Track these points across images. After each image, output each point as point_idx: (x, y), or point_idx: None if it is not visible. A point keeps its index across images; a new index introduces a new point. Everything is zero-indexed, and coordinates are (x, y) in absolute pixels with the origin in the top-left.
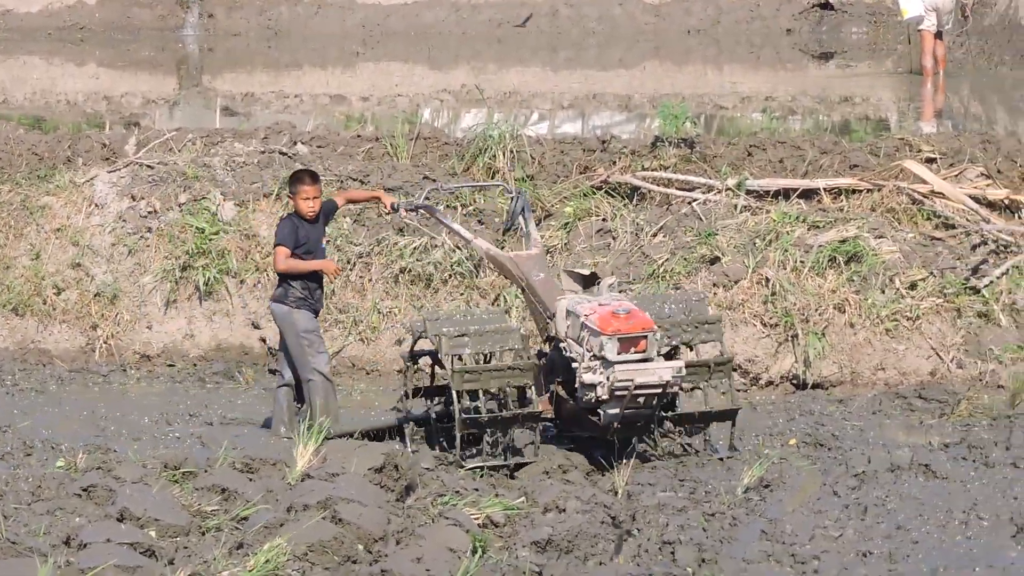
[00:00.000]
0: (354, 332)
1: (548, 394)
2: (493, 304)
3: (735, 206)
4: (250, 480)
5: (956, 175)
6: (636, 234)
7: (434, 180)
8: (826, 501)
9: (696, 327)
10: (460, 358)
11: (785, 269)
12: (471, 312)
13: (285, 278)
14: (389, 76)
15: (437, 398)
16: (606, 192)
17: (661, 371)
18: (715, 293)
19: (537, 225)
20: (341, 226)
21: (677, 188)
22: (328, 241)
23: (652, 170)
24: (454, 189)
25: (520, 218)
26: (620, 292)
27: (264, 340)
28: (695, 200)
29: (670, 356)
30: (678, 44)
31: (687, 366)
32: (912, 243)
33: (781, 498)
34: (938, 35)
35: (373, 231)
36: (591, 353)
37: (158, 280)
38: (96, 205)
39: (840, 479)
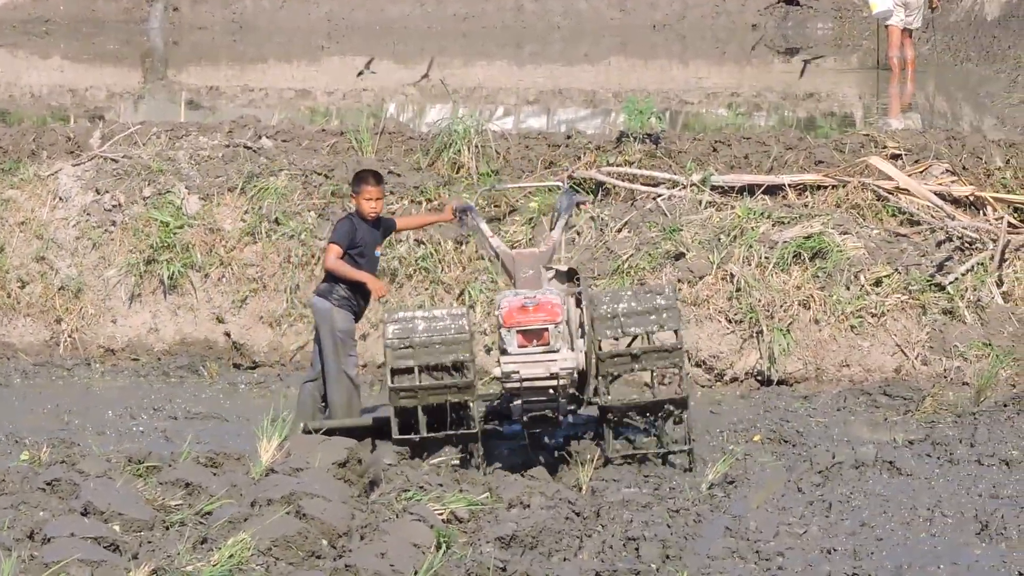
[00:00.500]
0: None
1: None
2: (458, 299)
3: (700, 202)
4: (214, 475)
5: (921, 171)
6: (601, 230)
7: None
8: (790, 498)
9: (648, 315)
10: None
11: (750, 265)
12: (429, 315)
13: (332, 276)
14: (354, 70)
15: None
16: (570, 187)
17: (549, 364)
18: (680, 289)
19: (501, 220)
20: (306, 220)
21: (642, 184)
22: (383, 253)
23: (617, 165)
24: (508, 188)
25: (556, 215)
26: (576, 287)
27: (228, 334)
28: (660, 196)
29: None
30: (643, 39)
31: (639, 352)
32: (877, 239)
33: (745, 494)
34: (908, 33)
35: None
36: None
37: (122, 274)
38: (60, 198)
39: (805, 476)
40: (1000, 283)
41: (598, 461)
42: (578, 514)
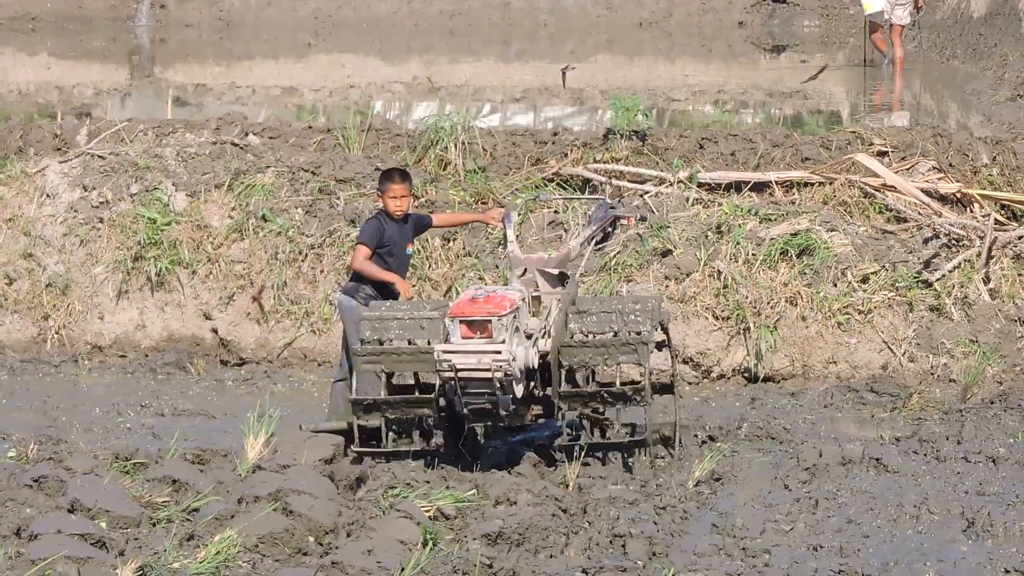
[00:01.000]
0: (306, 323)
1: None
2: (445, 296)
3: (687, 199)
4: (201, 471)
5: (908, 169)
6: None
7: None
8: (777, 495)
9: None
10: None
11: (737, 262)
12: (408, 314)
13: (359, 275)
14: (341, 67)
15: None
16: (558, 184)
17: (483, 355)
18: (667, 286)
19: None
20: (293, 217)
21: (629, 180)
22: (415, 251)
23: (604, 162)
24: (553, 199)
25: (589, 221)
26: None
27: (215, 331)
28: (647, 192)
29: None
30: (630, 36)
31: (600, 343)
32: (864, 236)
33: (732, 491)
34: (900, 29)
35: (325, 222)
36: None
37: (110, 271)
38: (48, 195)
39: (791, 472)
40: (987, 280)
41: (585, 458)
42: (565, 511)
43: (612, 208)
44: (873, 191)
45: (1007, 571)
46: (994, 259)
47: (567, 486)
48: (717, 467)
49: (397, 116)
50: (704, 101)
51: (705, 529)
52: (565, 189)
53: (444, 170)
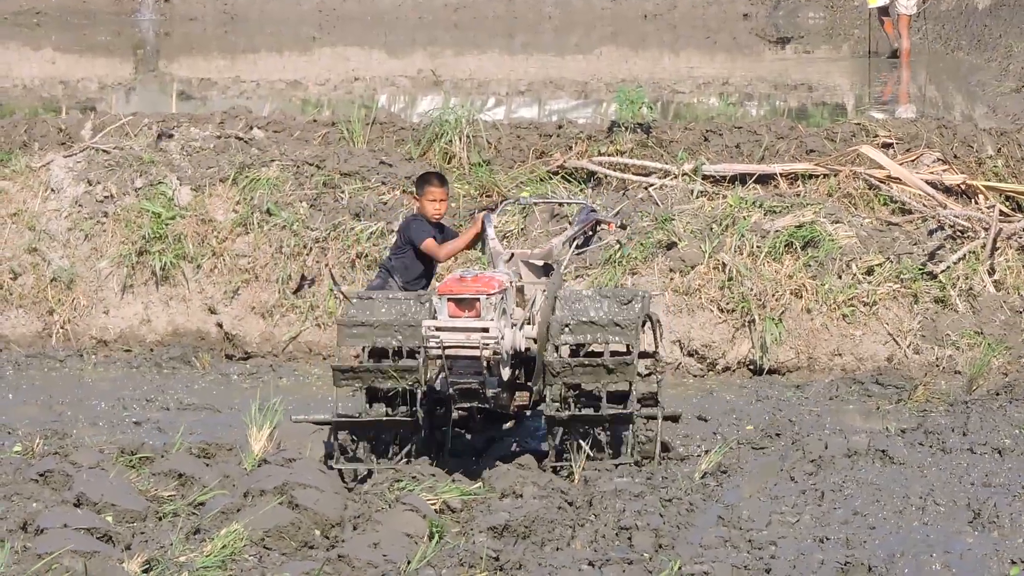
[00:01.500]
0: (311, 317)
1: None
2: None
3: (691, 191)
4: (207, 465)
5: (913, 160)
6: None
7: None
8: (783, 487)
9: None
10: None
11: (742, 254)
12: (393, 311)
13: (386, 268)
14: (345, 61)
15: None
16: (562, 177)
17: (471, 333)
18: (671, 278)
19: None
20: (298, 211)
21: (633, 173)
22: None
23: (608, 155)
24: (531, 203)
25: (572, 224)
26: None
27: (220, 325)
28: (651, 185)
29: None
30: (635, 29)
31: (588, 363)
32: (869, 228)
33: (738, 484)
34: (887, 17)
35: (330, 216)
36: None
37: (115, 265)
38: (52, 190)
39: (797, 465)
40: (992, 272)
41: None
42: (571, 503)
43: (593, 211)
44: (878, 183)
45: (1013, 562)
46: (999, 251)
47: (573, 479)
48: (723, 460)
49: (402, 109)
50: (709, 93)
51: (711, 521)
52: (570, 182)
53: (449, 163)
